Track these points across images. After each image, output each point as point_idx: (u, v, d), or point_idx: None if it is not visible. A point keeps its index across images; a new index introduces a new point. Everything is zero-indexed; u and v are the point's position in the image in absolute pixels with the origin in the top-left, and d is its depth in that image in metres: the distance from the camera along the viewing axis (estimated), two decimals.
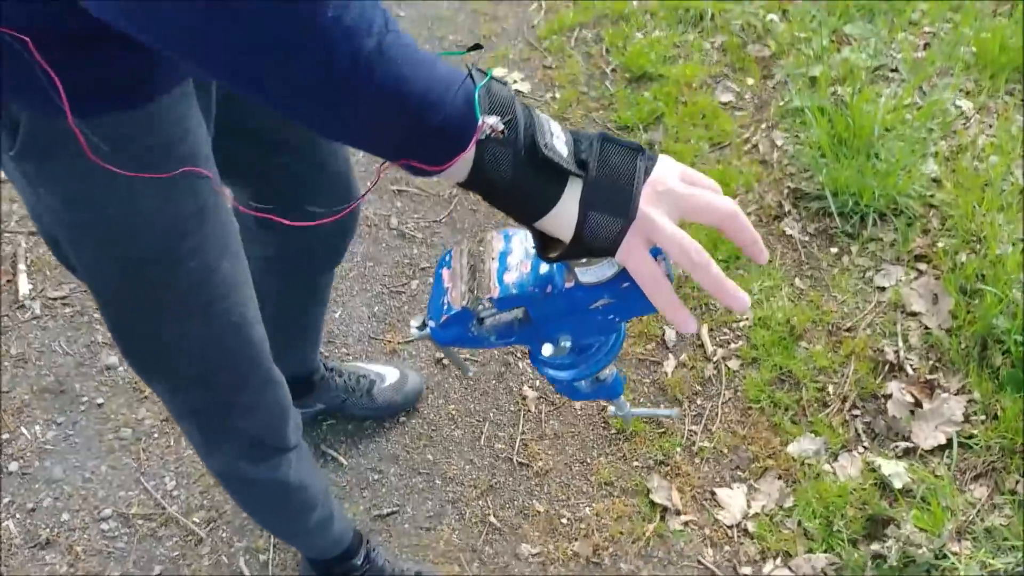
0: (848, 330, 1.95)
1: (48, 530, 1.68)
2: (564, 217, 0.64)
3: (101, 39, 0.71)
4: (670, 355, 1.94)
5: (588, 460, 1.79)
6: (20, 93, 0.76)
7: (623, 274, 0.71)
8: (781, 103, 2.40)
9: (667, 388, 1.88)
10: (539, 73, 2.53)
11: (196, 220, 0.90)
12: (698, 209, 0.65)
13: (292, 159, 1.16)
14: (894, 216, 2.11)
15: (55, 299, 2.01)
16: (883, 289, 2.02)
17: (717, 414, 1.84)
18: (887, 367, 1.88)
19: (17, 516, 1.70)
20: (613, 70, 2.52)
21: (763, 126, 2.36)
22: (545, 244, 0.69)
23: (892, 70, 2.45)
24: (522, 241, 0.77)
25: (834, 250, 2.10)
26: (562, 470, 1.77)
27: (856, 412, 1.84)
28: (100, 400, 1.85)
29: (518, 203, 0.64)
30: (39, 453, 1.78)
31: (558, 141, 0.63)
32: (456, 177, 0.63)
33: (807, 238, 2.13)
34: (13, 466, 1.76)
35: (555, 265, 0.74)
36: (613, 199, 0.63)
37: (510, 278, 0.74)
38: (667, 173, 0.65)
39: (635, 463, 1.78)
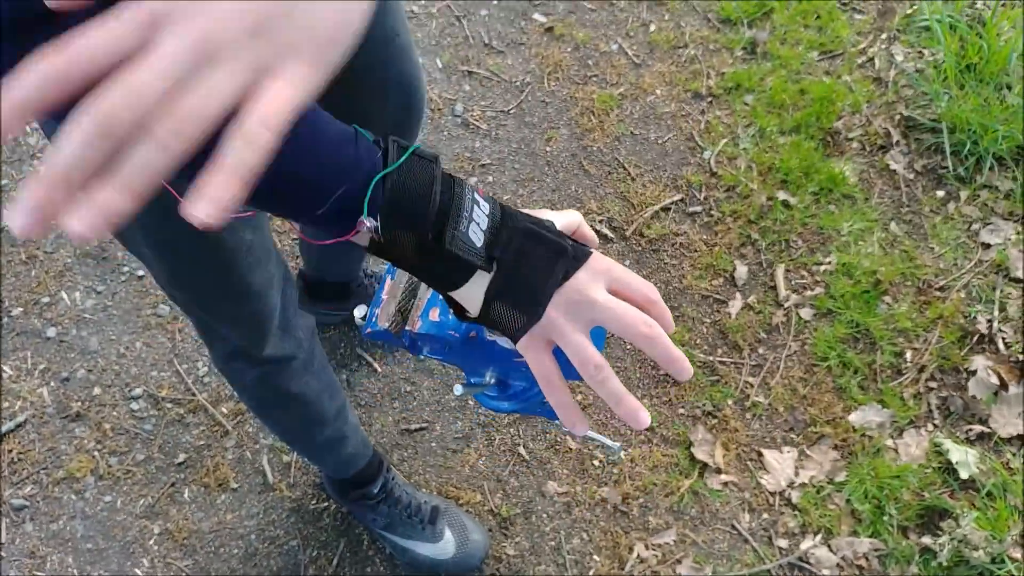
0: (940, 290, 1.76)
1: (79, 403, 1.67)
2: (470, 299, 0.63)
3: None
4: (737, 294, 1.78)
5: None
6: None
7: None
8: (909, 11, 2.09)
9: (728, 332, 1.74)
10: None
11: None
12: (614, 326, 0.61)
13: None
14: (1015, 164, 1.86)
15: None
16: (988, 247, 1.80)
17: (779, 367, 1.71)
18: (976, 338, 1.70)
19: (51, 384, 1.69)
20: None
21: (883, 36, 2.07)
22: (460, 307, 0.66)
23: None
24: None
25: (940, 194, 1.87)
26: (601, 407, 1.68)
27: (932, 385, 1.68)
28: (141, 272, 1.80)
29: (423, 276, 0.64)
30: (76, 321, 1.75)
31: (475, 230, 0.61)
32: (357, 243, 0.61)
33: (912, 176, 1.90)
34: (51, 331, 1.74)
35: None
36: (520, 296, 0.62)
37: (435, 316, 0.72)
38: (590, 281, 0.62)
39: (680, 411, 1.67)
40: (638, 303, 0.64)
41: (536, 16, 2.12)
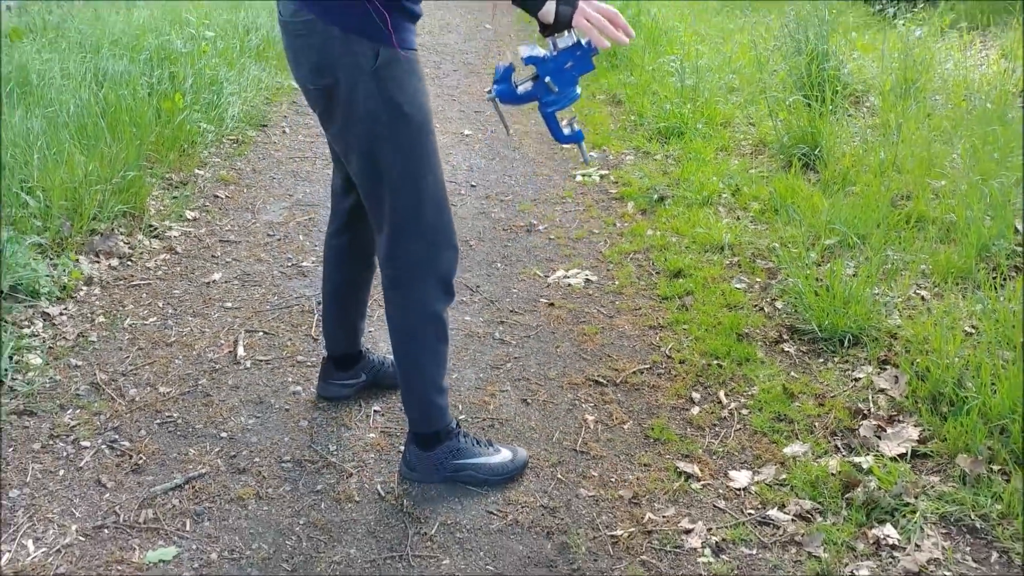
0: (832, 397, 2.63)
1: (244, 463, 2.36)
2: (549, 9, 1.70)
3: (412, 15, 1.79)
4: (696, 406, 2.62)
5: (632, 454, 2.42)
6: (380, 38, 1.78)
7: (576, 47, 1.78)
8: (781, 287, 3.28)
9: (692, 421, 2.55)
10: (604, 272, 3.51)
11: (432, 111, 1.89)
12: (601, 10, 1.70)
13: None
14: (868, 340, 2.87)
15: (260, 360, 2.86)
16: (858, 379, 2.71)
17: (730, 435, 2.48)
18: (861, 415, 2.53)
19: (224, 456, 2.39)
20: (657, 272, 3.49)
21: (767, 299, 3.22)
22: (543, 27, 1.75)
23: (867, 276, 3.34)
24: (534, 47, 1.82)
25: (820, 360, 2.84)
26: (612, 457, 2.40)
27: (835, 438, 2.46)
28: (287, 407, 2.61)
29: (531, 2, 1.71)
30: (243, 430, 2.51)
31: None
32: None
33: (800, 354, 2.88)
34: (224, 434, 2.49)
35: (549, 48, 1.78)
36: (569, 1, 1.70)
37: (529, 52, 1.79)
38: None
39: (667, 456, 2.41)
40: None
41: (542, 299, 3.26)
